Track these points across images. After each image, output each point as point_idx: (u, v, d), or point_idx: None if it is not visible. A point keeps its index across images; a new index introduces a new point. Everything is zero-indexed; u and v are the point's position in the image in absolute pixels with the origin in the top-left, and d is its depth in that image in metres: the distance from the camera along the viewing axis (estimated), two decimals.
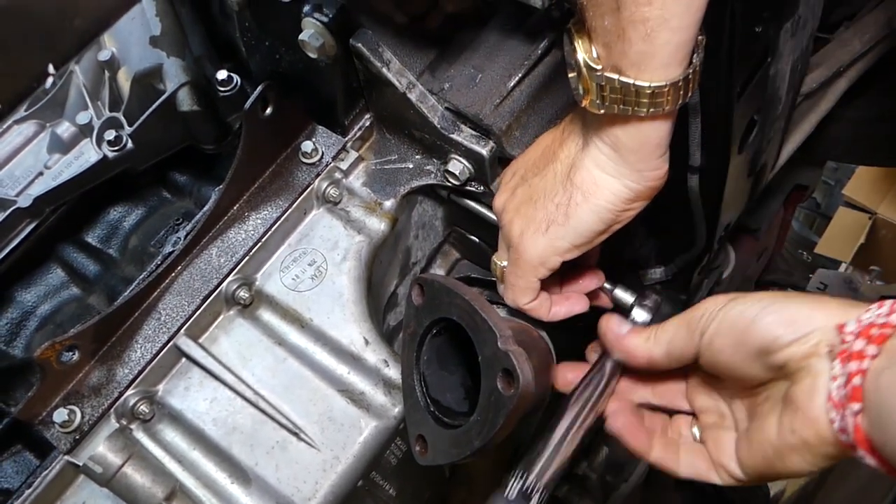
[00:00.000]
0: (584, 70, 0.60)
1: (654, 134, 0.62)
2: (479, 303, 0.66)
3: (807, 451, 0.56)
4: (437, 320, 0.71)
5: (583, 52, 0.59)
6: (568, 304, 0.78)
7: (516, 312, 0.85)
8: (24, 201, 0.90)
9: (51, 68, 0.38)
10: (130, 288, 0.87)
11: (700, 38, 0.59)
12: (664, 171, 0.65)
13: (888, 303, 0.51)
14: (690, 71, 0.59)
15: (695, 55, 0.59)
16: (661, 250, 1.06)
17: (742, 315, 0.59)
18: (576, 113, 0.69)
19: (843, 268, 2.65)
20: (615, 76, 0.58)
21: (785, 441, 0.57)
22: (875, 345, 0.49)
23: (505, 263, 0.75)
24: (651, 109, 0.59)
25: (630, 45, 0.56)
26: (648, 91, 0.57)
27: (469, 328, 0.66)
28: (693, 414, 0.72)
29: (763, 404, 0.61)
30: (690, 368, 0.69)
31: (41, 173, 0.96)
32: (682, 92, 0.59)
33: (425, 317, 0.72)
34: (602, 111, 0.60)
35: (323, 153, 0.90)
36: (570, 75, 0.62)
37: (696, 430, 0.71)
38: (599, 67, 0.59)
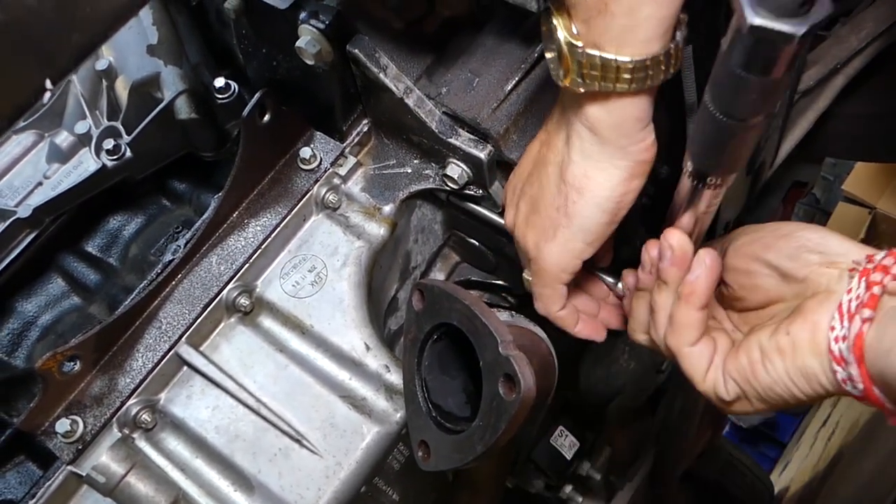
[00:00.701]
0: (564, 48, 0.59)
1: (634, 109, 0.60)
2: (479, 307, 0.66)
3: (791, 356, 0.56)
4: (437, 325, 0.71)
5: (563, 29, 0.58)
6: (590, 328, 0.77)
7: (517, 316, 0.85)
8: (23, 212, 0.90)
9: (48, 83, 0.38)
10: (131, 297, 0.87)
11: (682, 15, 0.58)
12: (651, 142, 0.63)
13: None
14: (672, 46, 0.58)
15: (677, 32, 0.58)
16: None
17: (777, 229, 0.62)
18: (555, 111, 0.68)
19: None
20: (596, 52, 0.57)
21: (776, 340, 0.58)
22: None
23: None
24: (633, 85, 0.58)
25: (612, 20, 0.55)
26: (629, 66, 0.56)
27: (469, 333, 0.66)
28: None
29: (765, 320, 0.63)
30: None
31: (40, 183, 0.96)
32: (663, 67, 0.58)
33: (426, 322, 0.72)
34: (583, 90, 0.59)
35: (321, 159, 0.90)
36: (549, 55, 0.61)
37: None
38: (581, 45, 0.58)
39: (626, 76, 0.57)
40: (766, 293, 0.63)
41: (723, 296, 0.69)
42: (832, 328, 0.54)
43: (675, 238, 0.63)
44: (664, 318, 0.65)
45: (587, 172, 0.63)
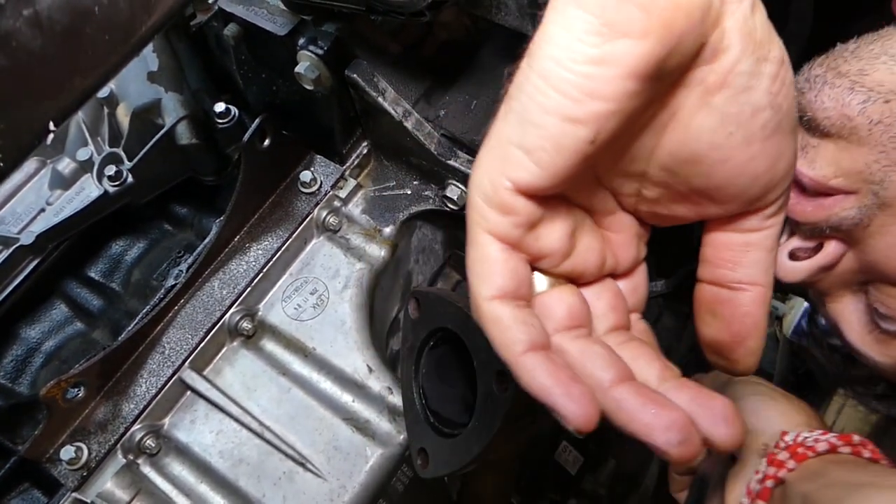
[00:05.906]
0: None
1: None
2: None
3: None
4: (433, 331, 0.71)
5: None
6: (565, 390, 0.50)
7: None
8: (26, 238, 0.91)
9: (52, 125, 0.39)
10: (134, 322, 0.87)
11: None
12: None
13: (830, 434, 0.62)
14: None
15: None
16: (660, 263, 1.06)
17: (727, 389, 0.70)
18: None
19: None
20: None
21: None
22: (795, 461, 0.58)
23: None
24: None
25: None
26: None
27: (462, 333, 0.66)
28: None
29: None
30: None
31: (43, 210, 0.97)
32: None
33: (422, 329, 0.71)
34: None
35: (322, 182, 0.91)
36: None
37: None
38: None
39: None
40: None
41: None
42: None
43: None
44: None
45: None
